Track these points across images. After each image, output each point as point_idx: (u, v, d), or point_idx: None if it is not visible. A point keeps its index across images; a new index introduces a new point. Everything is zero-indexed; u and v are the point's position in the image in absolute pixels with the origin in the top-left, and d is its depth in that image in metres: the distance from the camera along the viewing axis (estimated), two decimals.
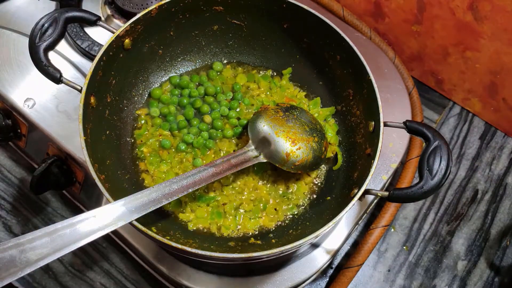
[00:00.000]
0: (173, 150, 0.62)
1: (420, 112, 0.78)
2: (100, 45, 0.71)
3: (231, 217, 0.59)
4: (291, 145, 0.58)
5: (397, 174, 0.75)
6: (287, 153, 0.58)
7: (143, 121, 0.64)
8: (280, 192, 0.61)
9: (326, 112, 0.66)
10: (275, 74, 0.70)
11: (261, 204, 0.60)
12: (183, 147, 0.62)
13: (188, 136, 0.62)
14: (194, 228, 0.58)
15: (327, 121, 0.66)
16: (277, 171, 0.62)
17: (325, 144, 0.61)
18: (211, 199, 0.59)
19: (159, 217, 0.57)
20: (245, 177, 0.62)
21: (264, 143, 0.58)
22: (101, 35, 0.72)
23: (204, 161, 0.62)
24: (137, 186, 0.59)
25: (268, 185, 0.61)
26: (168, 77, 0.68)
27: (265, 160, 0.57)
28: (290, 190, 0.61)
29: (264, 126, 0.59)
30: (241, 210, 0.59)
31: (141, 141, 0.63)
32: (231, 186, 0.61)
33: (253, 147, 0.58)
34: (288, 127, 0.59)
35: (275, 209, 0.60)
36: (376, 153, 0.51)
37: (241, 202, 0.60)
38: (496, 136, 0.84)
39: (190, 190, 0.50)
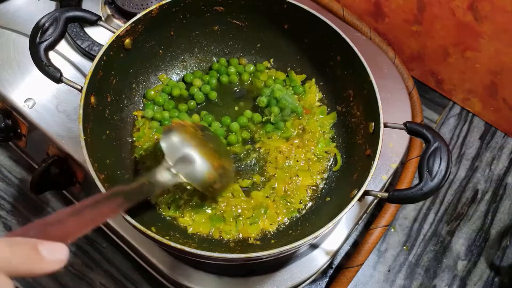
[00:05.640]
0: None
1: (420, 112, 0.78)
2: (100, 45, 0.70)
3: (231, 223, 0.58)
4: (213, 167, 0.54)
5: (397, 174, 0.75)
6: (209, 175, 0.53)
7: (141, 123, 0.64)
8: (280, 195, 0.61)
9: (329, 120, 0.65)
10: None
11: (262, 209, 0.59)
12: None
13: None
14: (194, 232, 0.58)
15: (325, 133, 0.65)
16: (275, 176, 0.62)
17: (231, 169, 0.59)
18: (208, 207, 0.59)
19: (158, 219, 0.57)
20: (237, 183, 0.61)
21: (184, 161, 0.52)
22: (101, 35, 0.72)
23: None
24: None
25: (266, 189, 0.61)
26: (168, 77, 0.68)
27: (184, 180, 0.51)
28: (290, 193, 0.61)
29: (187, 143, 0.53)
30: (241, 218, 0.59)
31: (140, 144, 0.62)
32: (226, 197, 0.60)
33: (171, 163, 0.50)
34: (209, 148, 0.55)
35: (276, 213, 0.59)
36: (376, 155, 0.51)
37: (240, 211, 0.59)
38: (496, 136, 0.84)
39: (86, 231, 0.37)
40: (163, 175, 0.50)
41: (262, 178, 0.62)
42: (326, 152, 0.64)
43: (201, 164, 0.53)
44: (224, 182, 0.57)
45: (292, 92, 0.66)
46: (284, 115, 0.64)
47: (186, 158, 0.52)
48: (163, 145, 0.52)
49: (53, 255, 0.29)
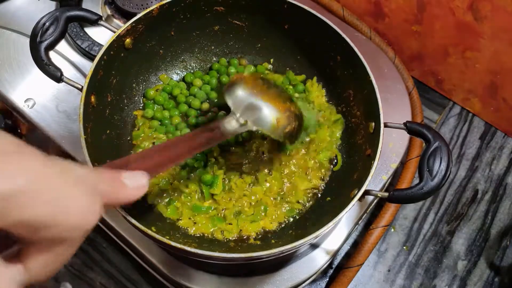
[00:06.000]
0: None
1: (420, 112, 0.78)
2: (100, 45, 0.71)
3: (232, 222, 0.58)
4: (279, 111, 0.55)
5: (397, 174, 0.75)
6: (277, 119, 0.55)
7: (140, 123, 0.64)
8: (280, 194, 0.60)
9: (338, 127, 0.64)
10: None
11: (262, 207, 0.59)
12: None
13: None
14: (195, 234, 0.58)
15: (332, 142, 0.64)
16: (271, 175, 0.62)
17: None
18: (208, 209, 0.58)
19: (158, 219, 0.57)
20: (242, 179, 0.61)
21: (250, 110, 0.54)
22: (101, 35, 0.72)
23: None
24: None
25: (266, 187, 0.61)
26: (168, 77, 0.68)
27: (254, 128, 0.53)
28: (290, 192, 0.61)
29: (249, 92, 0.55)
30: (242, 216, 0.59)
31: (138, 142, 0.62)
32: (227, 193, 0.60)
33: (238, 115, 0.53)
34: (272, 94, 0.57)
35: (276, 212, 0.59)
36: (376, 154, 0.51)
37: (241, 208, 0.59)
38: (496, 136, 0.84)
39: (164, 169, 0.44)
40: (231, 124, 0.52)
41: (261, 177, 0.61)
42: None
43: (267, 109, 0.55)
44: (295, 125, 0.57)
45: (302, 98, 0.66)
46: (308, 134, 0.64)
47: (251, 106, 0.54)
48: (228, 100, 0.54)
49: (134, 182, 0.31)
